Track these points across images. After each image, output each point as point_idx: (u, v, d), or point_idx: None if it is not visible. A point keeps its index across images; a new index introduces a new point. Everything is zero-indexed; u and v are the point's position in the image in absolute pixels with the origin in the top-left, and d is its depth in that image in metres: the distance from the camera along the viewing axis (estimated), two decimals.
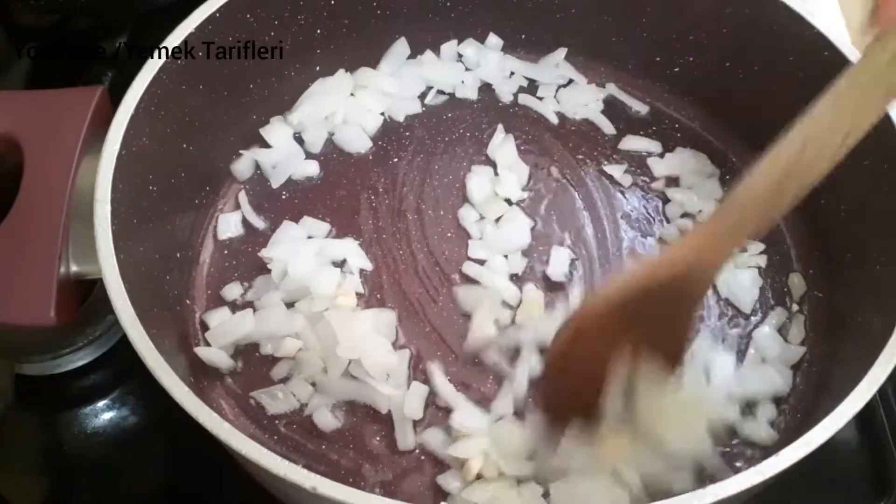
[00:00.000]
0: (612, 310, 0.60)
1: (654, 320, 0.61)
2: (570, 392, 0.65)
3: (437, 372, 0.77)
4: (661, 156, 0.92)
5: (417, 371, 0.78)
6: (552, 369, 0.66)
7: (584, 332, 0.62)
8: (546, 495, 0.68)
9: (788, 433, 0.74)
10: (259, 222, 0.86)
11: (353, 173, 0.90)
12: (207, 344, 0.77)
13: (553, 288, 0.82)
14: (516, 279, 0.83)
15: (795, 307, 0.82)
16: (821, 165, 0.56)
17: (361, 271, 0.82)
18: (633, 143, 0.93)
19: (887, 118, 0.72)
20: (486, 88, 0.96)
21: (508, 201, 0.87)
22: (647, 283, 0.59)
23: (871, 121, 0.55)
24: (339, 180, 0.89)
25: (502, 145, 0.91)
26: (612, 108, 0.95)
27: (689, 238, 0.61)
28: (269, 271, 0.81)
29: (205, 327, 0.79)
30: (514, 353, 0.77)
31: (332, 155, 0.91)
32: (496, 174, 0.89)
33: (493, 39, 0.96)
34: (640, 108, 0.95)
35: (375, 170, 0.90)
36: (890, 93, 0.55)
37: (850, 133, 0.55)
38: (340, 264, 0.82)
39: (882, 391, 0.62)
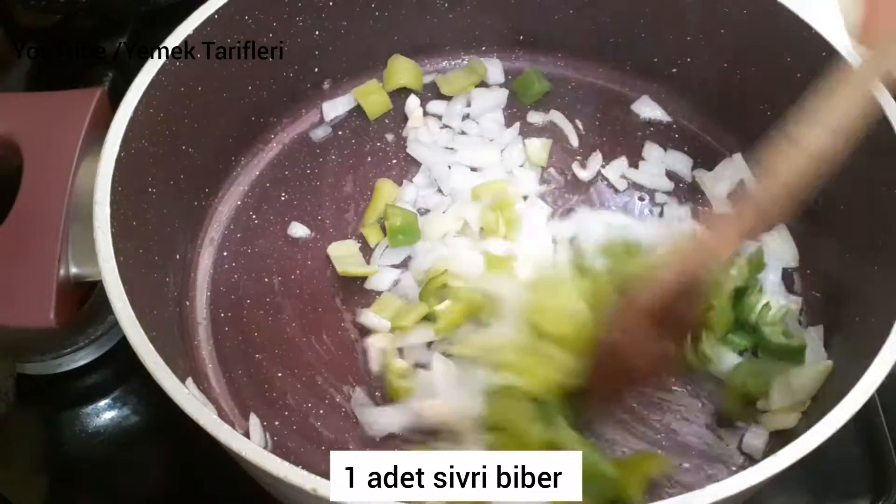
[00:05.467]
0: (653, 301, 0.65)
1: (671, 311, 0.66)
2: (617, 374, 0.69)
3: None
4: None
5: None
6: (601, 355, 0.68)
7: (629, 323, 0.66)
8: None
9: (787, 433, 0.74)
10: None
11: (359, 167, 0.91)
12: None
13: None
14: None
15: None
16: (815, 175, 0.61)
17: None
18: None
19: (886, 119, 0.72)
20: None
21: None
22: (679, 277, 0.64)
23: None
24: (344, 175, 0.90)
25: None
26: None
27: (706, 237, 0.67)
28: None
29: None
30: None
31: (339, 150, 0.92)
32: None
33: None
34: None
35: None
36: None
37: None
38: None
39: (881, 391, 0.62)
